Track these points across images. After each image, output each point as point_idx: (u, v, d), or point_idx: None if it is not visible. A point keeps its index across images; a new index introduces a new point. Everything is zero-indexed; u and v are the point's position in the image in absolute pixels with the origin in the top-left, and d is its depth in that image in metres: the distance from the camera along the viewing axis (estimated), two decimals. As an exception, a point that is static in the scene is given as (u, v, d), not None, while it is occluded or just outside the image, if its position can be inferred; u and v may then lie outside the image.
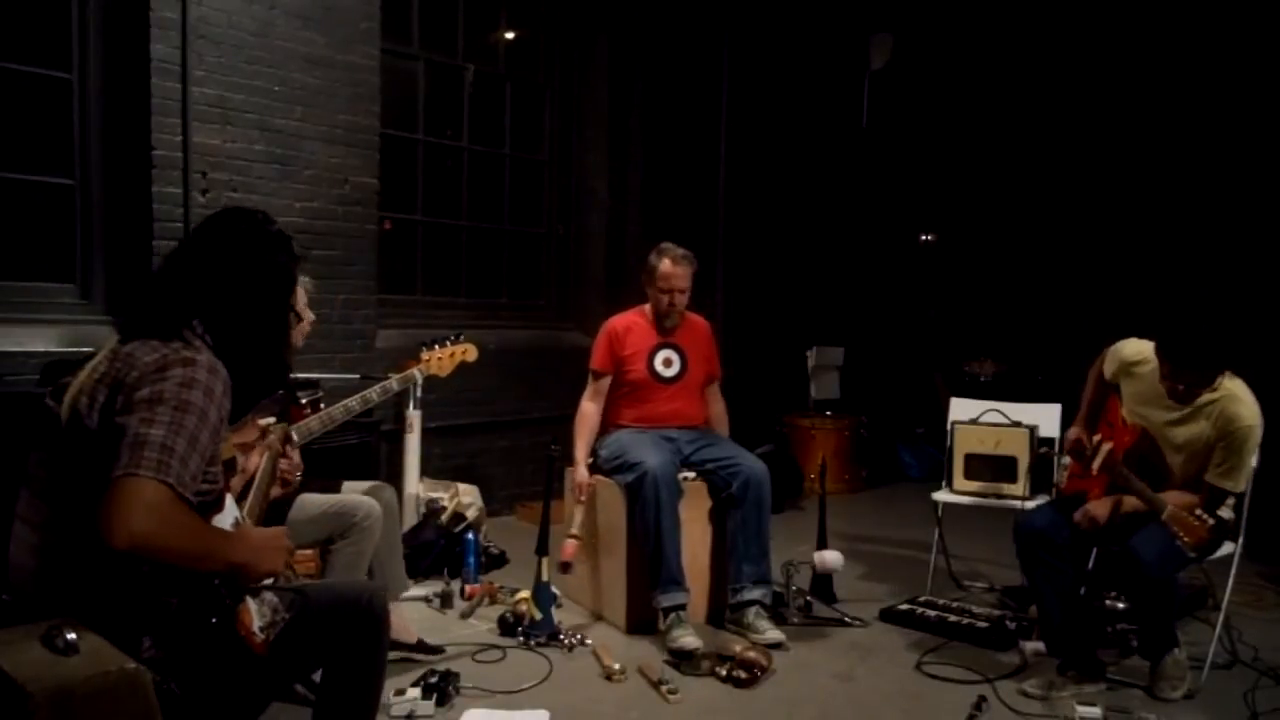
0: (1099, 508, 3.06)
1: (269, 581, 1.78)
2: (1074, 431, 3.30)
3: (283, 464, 2.27)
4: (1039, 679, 3.06)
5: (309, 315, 3.08)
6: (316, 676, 2.00)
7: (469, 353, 3.46)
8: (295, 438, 2.75)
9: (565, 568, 3.55)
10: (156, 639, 1.65)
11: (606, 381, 3.83)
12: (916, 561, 4.40)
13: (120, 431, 1.56)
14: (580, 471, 3.71)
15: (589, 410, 3.82)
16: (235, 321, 1.80)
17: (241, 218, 1.91)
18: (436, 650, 3.20)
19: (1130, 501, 3.04)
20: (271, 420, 2.36)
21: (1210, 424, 3.00)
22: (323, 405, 2.96)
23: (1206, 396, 2.99)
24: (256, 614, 1.72)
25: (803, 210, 7.27)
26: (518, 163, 5.92)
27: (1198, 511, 2.85)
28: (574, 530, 3.59)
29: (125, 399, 1.62)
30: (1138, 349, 3.17)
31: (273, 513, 2.31)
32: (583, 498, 3.68)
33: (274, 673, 1.83)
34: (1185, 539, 2.81)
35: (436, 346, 3.40)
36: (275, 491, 2.23)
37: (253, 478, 2.10)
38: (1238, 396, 2.98)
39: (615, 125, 6.06)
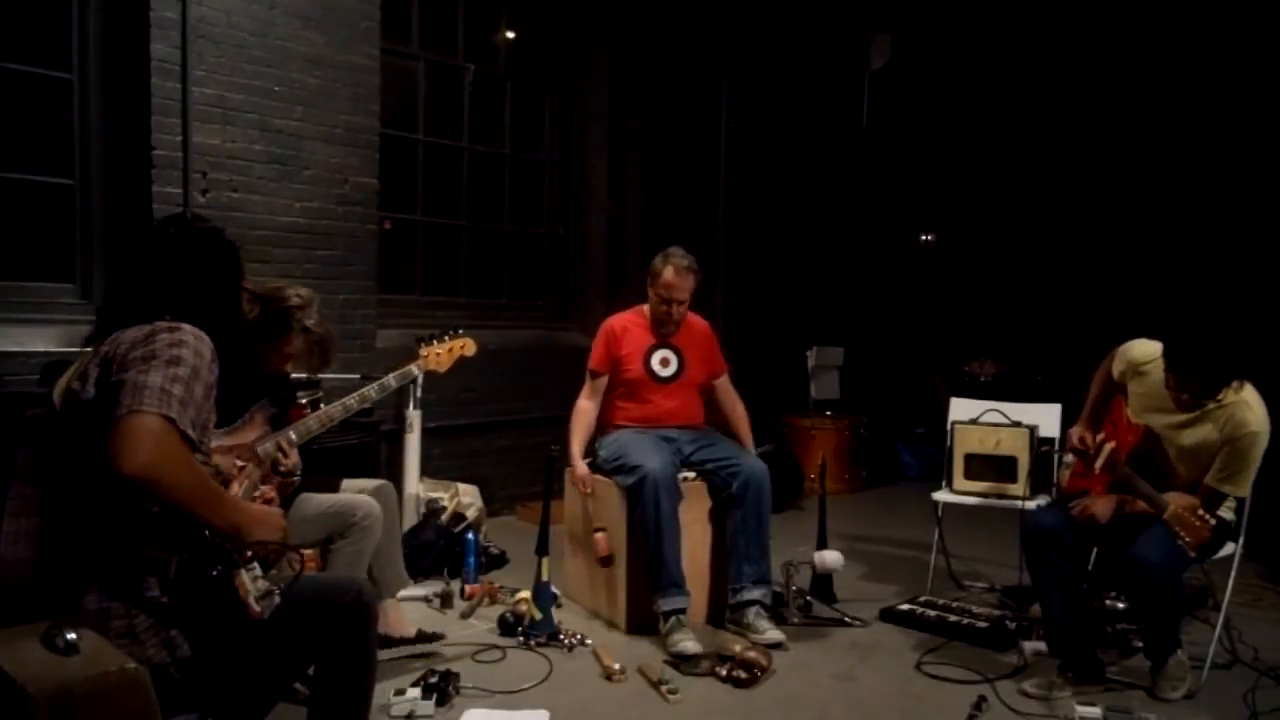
0: (1101, 505, 3.06)
1: (259, 570, 1.80)
2: (1077, 430, 3.29)
3: (263, 488, 2.31)
4: (1039, 679, 3.05)
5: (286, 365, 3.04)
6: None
7: (467, 347, 3.43)
8: (294, 438, 2.76)
9: (606, 562, 3.56)
10: (161, 583, 1.72)
11: (603, 381, 3.84)
12: (916, 561, 4.40)
13: (119, 385, 1.65)
14: (579, 466, 3.71)
15: (585, 408, 3.83)
16: (197, 316, 1.87)
17: (175, 224, 2.01)
18: (436, 637, 3.20)
19: (1136, 502, 3.04)
20: (258, 456, 2.40)
21: (1217, 428, 2.98)
22: (322, 405, 2.96)
23: (1215, 401, 2.97)
24: (251, 586, 1.76)
25: (802, 210, 7.27)
26: (518, 163, 5.92)
27: (1199, 512, 2.84)
28: (596, 524, 3.60)
29: (119, 364, 1.70)
30: (1146, 350, 3.15)
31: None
32: (587, 490, 3.68)
33: (269, 657, 1.86)
34: (1186, 539, 2.81)
35: (434, 342, 3.38)
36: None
37: None
38: (1247, 403, 2.95)
39: (615, 125, 6.06)
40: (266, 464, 2.62)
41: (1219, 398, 2.93)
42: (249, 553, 1.76)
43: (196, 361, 1.72)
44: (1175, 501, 2.91)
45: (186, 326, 1.78)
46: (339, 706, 1.97)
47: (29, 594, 1.70)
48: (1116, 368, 3.26)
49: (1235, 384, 2.93)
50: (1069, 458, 3.37)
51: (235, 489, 2.15)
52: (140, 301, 1.85)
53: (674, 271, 3.71)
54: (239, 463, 2.49)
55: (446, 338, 3.39)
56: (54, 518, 1.72)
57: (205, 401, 1.74)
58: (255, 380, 2.72)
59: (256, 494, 2.24)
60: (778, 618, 3.60)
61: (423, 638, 3.18)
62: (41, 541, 1.72)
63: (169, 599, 1.72)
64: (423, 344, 3.36)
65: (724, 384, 4.02)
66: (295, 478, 2.74)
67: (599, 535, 3.58)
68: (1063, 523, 3.15)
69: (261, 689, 1.90)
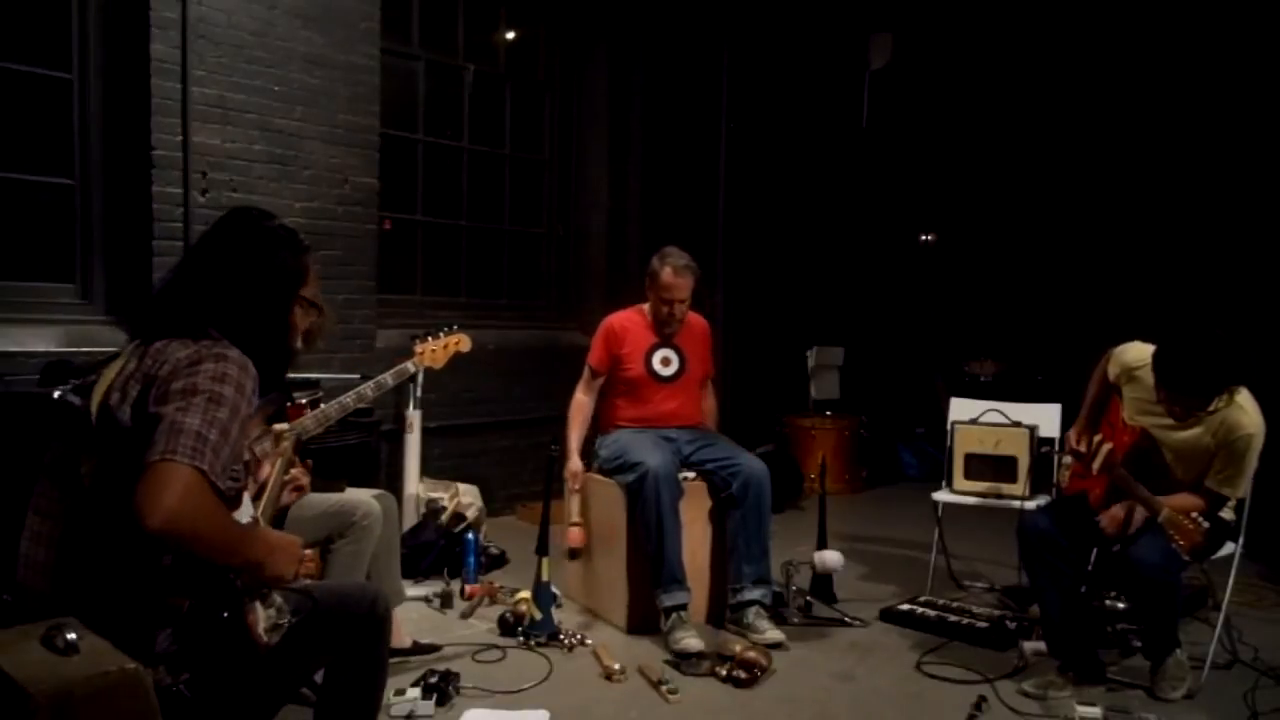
0: (1120, 511, 3.03)
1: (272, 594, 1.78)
2: (1073, 432, 3.30)
3: (294, 471, 2.28)
4: (1039, 679, 3.05)
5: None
6: (318, 677, 2.00)
7: (462, 343, 3.44)
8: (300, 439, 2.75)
9: (574, 554, 3.56)
10: (174, 633, 1.66)
11: (601, 379, 3.85)
12: (916, 561, 4.40)
13: (156, 420, 1.59)
14: (574, 461, 3.73)
15: (583, 402, 3.85)
16: (240, 321, 1.81)
17: (239, 218, 1.92)
18: (433, 649, 3.20)
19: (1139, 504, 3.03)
20: (285, 426, 2.35)
21: (1210, 432, 2.97)
22: (322, 405, 2.95)
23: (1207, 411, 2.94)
24: (262, 617, 1.72)
25: (802, 210, 7.27)
26: (518, 163, 5.92)
27: (1193, 515, 2.84)
28: (574, 518, 3.60)
29: (159, 391, 1.64)
30: (1140, 354, 3.14)
31: (278, 516, 2.31)
32: (576, 486, 3.70)
33: (279, 674, 1.84)
34: (1180, 542, 2.81)
35: (429, 339, 3.39)
36: (287, 498, 2.24)
37: (265, 484, 2.10)
38: (1240, 405, 2.94)
39: (615, 125, 6.06)
40: (290, 453, 2.60)
41: (1211, 408, 2.91)
42: (266, 587, 1.72)
43: (237, 398, 1.65)
44: (1174, 504, 2.91)
45: (233, 354, 1.71)
46: (348, 713, 1.96)
47: (43, 597, 1.69)
48: (1111, 370, 3.26)
49: (1229, 390, 2.91)
50: (1068, 459, 3.38)
51: (267, 469, 2.11)
52: (188, 305, 1.78)
53: (672, 272, 3.70)
54: (277, 428, 2.44)
55: (442, 334, 3.41)
56: (72, 531, 1.68)
57: (241, 436, 1.67)
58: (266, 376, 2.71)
59: (288, 476, 2.21)
60: (778, 618, 3.60)
61: (419, 649, 3.17)
62: (60, 549, 1.69)
63: (179, 647, 1.67)
64: (418, 341, 3.38)
65: (707, 385, 4.05)
66: (306, 481, 2.73)
67: (575, 529, 3.59)
68: (1059, 522, 3.15)
69: (269, 700, 1.88)
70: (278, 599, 1.77)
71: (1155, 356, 2.91)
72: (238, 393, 1.66)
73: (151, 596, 1.65)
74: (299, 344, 2.00)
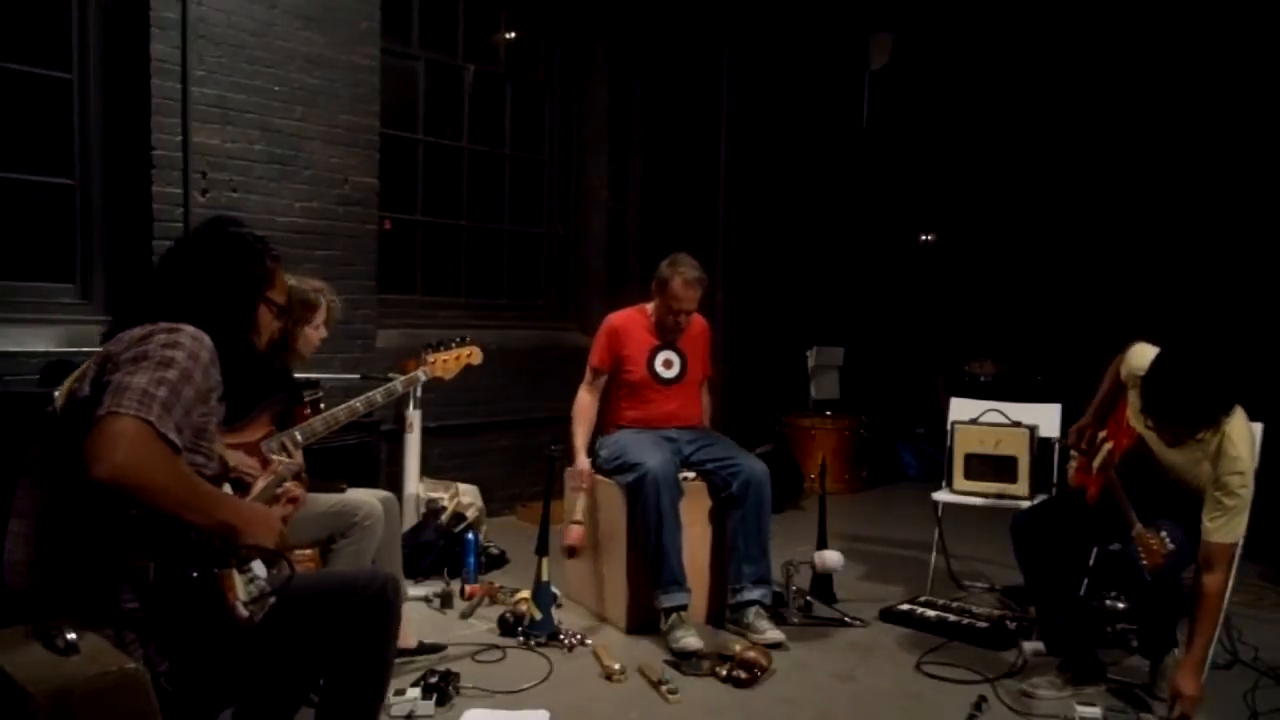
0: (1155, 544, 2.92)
1: (257, 565, 1.77)
2: (1078, 425, 3.28)
3: (288, 485, 2.29)
4: (1039, 679, 3.05)
5: (321, 333, 3.08)
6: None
7: (474, 355, 3.44)
8: (300, 438, 2.75)
9: (570, 552, 3.57)
10: (138, 592, 1.66)
11: (604, 378, 3.85)
12: (916, 561, 4.40)
13: (106, 385, 1.64)
14: (581, 460, 3.73)
15: (586, 402, 3.85)
16: (204, 320, 1.84)
17: (207, 226, 2.01)
18: (438, 648, 3.20)
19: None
20: (279, 459, 2.38)
21: (1206, 456, 2.90)
22: (323, 405, 2.95)
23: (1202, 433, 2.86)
24: (242, 588, 1.71)
25: (802, 210, 7.27)
26: (518, 163, 5.92)
27: (1162, 534, 2.82)
28: (577, 516, 3.60)
29: (114, 364, 1.69)
30: (1146, 360, 3.11)
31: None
32: (585, 485, 3.69)
33: (277, 655, 1.82)
34: (1144, 561, 2.79)
35: (441, 348, 3.39)
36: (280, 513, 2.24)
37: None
38: (1233, 439, 2.83)
39: (615, 125, 6.06)
40: (286, 475, 2.61)
41: (1200, 437, 2.85)
42: (242, 553, 1.71)
43: (189, 364, 1.69)
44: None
45: (187, 328, 1.76)
46: (350, 705, 1.94)
47: (26, 596, 1.70)
48: (1123, 370, 3.23)
49: (1219, 418, 2.81)
50: (1074, 453, 3.37)
51: (259, 485, 2.12)
52: (149, 301, 1.85)
53: (682, 284, 3.69)
54: (272, 456, 2.46)
55: (454, 345, 3.41)
56: (47, 522, 1.70)
57: (200, 404, 1.70)
58: (264, 378, 2.72)
59: (280, 491, 2.22)
60: (778, 618, 3.61)
61: (424, 649, 3.17)
62: (37, 545, 1.70)
63: (145, 610, 1.66)
64: (429, 350, 3.38)
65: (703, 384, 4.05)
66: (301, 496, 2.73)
67: (576, 527, 3.58)
68: (1048, 519, 3.15)
69: (283, 688, 1.86)
70: (257, 570, 1.76)
71: (1144, 381, 2.85)
72: (190, 359, 1.70)
73: (114, 557, 1.66)
74: (264, 343, 2.07)
